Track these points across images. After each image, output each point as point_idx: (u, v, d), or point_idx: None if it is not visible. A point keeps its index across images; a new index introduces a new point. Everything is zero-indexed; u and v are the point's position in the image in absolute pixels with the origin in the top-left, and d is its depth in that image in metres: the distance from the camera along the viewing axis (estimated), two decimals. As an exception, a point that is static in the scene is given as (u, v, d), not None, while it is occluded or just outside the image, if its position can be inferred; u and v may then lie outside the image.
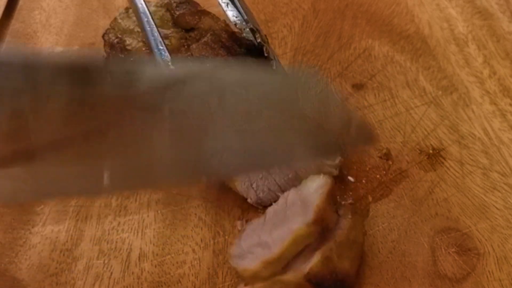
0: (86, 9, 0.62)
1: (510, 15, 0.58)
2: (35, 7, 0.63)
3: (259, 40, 0.44)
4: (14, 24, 0.60)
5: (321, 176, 0.38)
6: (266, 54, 0.43)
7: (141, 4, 0.44)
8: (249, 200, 0.40)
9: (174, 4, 0.47)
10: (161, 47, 0.41)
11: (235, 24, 0.46)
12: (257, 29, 0.45)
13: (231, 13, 0.46)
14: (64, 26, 0.60)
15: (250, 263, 0.35)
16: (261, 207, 0.41)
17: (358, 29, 0.57)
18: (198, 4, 0.48)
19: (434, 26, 0.57)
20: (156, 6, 0.47)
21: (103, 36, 0.47)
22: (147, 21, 0.43)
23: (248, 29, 0.45)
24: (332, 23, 0.58)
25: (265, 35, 0.45)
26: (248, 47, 0.44)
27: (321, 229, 0.34)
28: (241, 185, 0.39)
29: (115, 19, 0.48)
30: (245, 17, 0.45)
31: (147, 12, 0.43)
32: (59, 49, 0.57)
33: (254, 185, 0.39)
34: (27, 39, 0.58)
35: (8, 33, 0.59)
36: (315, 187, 0.37)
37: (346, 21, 0.58)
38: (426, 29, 0.57)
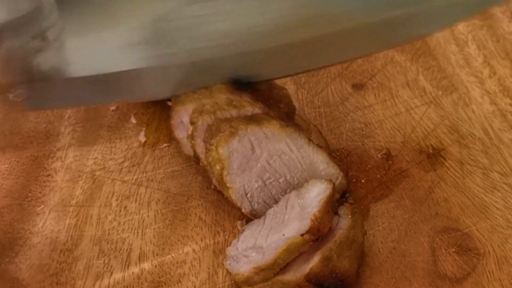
0: (86, 9, 0.62)
1: (510, 15, 0.58)
2: (35, 7, 0.62)
3: None
4: (14, 24, 0.60)
5: (323, 181, 0.37)
6: None
7: None
8: (243, 210, 0.39)
9: None
10: None
11: None
12: None
13: None
14: (64, 26, 0.60)
15: (243, 267, 0.35)
16: (254, 218, 0.39)
17: (358, 29, 0.57)
18: None
19: (434, 26, 0.57)
20: None
21: None
22: None
23: None
24: (332, 23, 0.58)
25: None
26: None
27: (316, 238, 0.34)
28: (235, 194, 0.38)
29: None
30: None
31: None
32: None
33: (249, 195, 0.38)
34: (27, 39, 0.58)
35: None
36: (316, 193, 0.36)
37: (346, 21, 0.58)
38: (426, 29, 0.57)
